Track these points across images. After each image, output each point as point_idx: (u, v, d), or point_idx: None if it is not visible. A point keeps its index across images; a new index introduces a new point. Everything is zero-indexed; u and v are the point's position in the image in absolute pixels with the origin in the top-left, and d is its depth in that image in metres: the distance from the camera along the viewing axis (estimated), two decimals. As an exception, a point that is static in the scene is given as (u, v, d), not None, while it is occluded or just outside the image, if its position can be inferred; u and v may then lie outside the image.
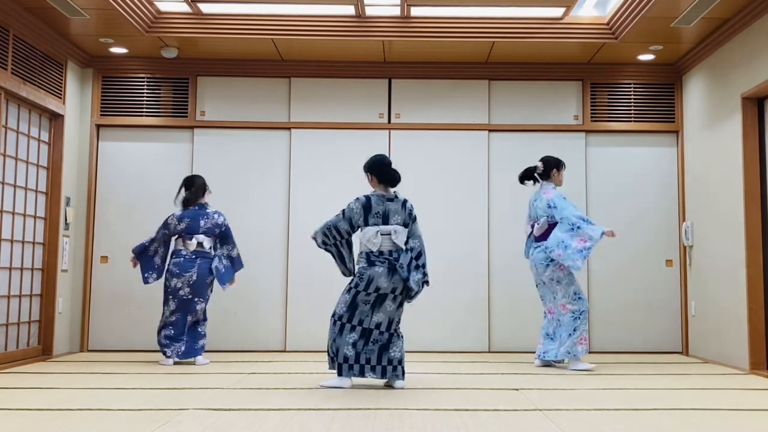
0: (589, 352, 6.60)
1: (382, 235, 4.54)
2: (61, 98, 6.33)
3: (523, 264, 6.16)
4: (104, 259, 6.69)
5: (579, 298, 5.40)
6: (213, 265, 5.62)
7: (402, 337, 4.60)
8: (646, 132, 6.87)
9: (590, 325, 6.69)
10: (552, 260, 5.39)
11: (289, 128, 6.83)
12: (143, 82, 6.82)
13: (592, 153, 6.87)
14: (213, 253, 5.72)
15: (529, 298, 6.46)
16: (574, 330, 5.34)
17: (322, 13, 6.09)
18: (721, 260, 5.98)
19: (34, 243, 6.06)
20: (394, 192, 4.69)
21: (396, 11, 6.03)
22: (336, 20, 6.14)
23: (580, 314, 5.37)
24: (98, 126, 6.78)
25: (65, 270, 6.43)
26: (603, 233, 5.27)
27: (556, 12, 6.01)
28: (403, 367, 4.54)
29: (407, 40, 6.22)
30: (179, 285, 5.54)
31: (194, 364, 5.59)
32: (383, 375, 4.51)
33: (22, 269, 5.86)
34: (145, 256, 5.69)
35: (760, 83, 5.34)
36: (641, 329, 6.71)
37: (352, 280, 4.60)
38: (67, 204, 6.42)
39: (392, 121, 6.84)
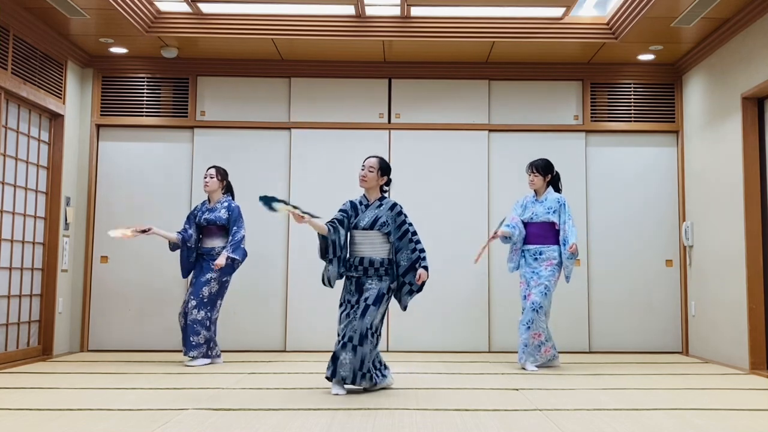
0: (590, 352, 6.62)
1: None
2: (61, 98, 6.33)
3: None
4: (104, 259, 6.69)
5: None
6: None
7: None
8: (646, 132, 6.87)
9: (590, 325, 6.70)
10: None
11: (289, 128, 6.83)
12: (143, 82, 6.82)
13: (592, 153, 6.87)
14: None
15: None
16: None
17: (322, 13, 6.09)
18: (721, 260, 5.98)
19: (34, 243, 6.06)
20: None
21: (396, 11, 6.03)
22: (336, 20, 6.14)
23: None
24: (98, 126, 6.78)
25: (65, 270, 6.43)
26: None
27: (556, 12, 6.01)
28: None
29: (407, 40, 6.22)
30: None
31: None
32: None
33: (22, 269, 5.86)
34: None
35: (760, 83, 5.34)
36: (641, 329, 6.70)
37: (390, 291, 4.48)
38: (67, 204, 6.42)
39: (392, 121, 6.84)
